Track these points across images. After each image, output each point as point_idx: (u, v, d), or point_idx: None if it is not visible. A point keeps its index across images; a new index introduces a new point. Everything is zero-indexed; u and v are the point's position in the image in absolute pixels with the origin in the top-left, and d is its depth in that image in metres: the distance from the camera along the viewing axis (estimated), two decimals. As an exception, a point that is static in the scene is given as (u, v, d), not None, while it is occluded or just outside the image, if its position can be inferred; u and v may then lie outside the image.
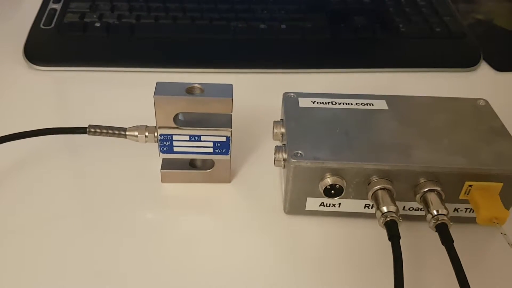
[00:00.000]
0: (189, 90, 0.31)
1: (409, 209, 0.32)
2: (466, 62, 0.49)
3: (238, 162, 0.37)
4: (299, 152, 0.31)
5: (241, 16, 0.51)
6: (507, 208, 0.31)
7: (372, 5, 0.54)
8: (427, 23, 0.52)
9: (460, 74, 0.48)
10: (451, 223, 0.28)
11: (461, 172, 0.30)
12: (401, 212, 0.31)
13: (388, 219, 0.28)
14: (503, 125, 0.33)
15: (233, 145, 0.33)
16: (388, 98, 0.36)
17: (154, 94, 0.31)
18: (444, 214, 0.28)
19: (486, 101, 0.36)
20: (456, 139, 0.32)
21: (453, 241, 0.27)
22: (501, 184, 0.30)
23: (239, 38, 0.49)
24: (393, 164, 0.30)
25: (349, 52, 0.49)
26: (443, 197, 0.30)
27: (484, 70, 0.49)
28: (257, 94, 0.44)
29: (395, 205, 0.29)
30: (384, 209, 0.28)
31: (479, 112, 0.35)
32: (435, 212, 0.28)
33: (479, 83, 0.48)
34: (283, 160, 0.32)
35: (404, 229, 0.29)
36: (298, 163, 0.30)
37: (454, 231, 0.28)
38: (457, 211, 0.32)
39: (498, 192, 0.30)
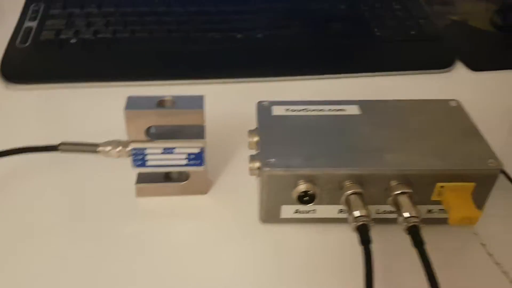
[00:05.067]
0: (161, 103, 0.32)
1: (382, 212, 0.32)
2: (441, 63, 0.50)
3: (216, 173, 0.37)
4: (272, 160, 0.31)
5: (218, 27, 0.52)
6: (480, 207, 0.31)
7: (348, 11, 0.55)
8: (402, 27, 0.52)
9: (436, 76, 0.49)
10: (423, 224, 0.28)
11: (432, 174, 0.30)
12: (375, 215, 0.32)
13: (359, 223, 0.28)
14: (474, 125, 0.34)
15: (210, 155, 0.33)
16: (361, 103, 0.36)
17: (124, 109, 0.31)
18: (415, 217, 0.28)
19: (458, 102, 0.36)
20: (427, 141, 0.32)
21: (423, 243, 0.27)
22: (473, 184, 0.30)
23: (216, 49, 0.49)
24: (364, 168, 0.30)
25: (326, 59, 0.49)
26: (415, 199, 0.30)
27: (460, 70, 0.50)
28: (235, 103, 0.44)
29: (367, 209, 0.29)
30: (355, 213, 0.29)
31: (451, 113, 0.35)
32: (406, 215, 0.28)
33: (455, 83, 0.48)
34: (257, 169, 0.32)
35: (378, 232, 0.29)
36: (271, 172, 0.30)
37: (428, 232, 0.28)
38: (431, 212, 0.32)
39: (470, 192, 0.30)
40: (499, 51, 0.53)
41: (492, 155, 0.31)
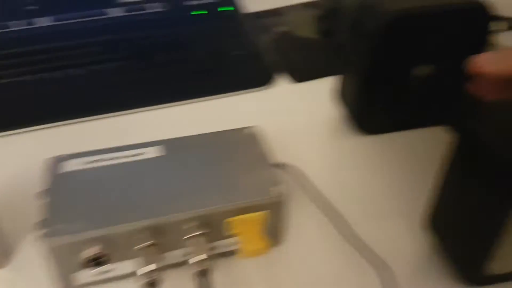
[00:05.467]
0: None
1: (182, 255, 0.31)
2: (264, 79, 0.51)
3: (16, 242, 0.34)
4: (56, 227, 0.29)
5: (35, 68, 0.48)
6: (275, 234, 0.32)
7: (170, 38, 0.54)
8: (224, 48, 0.52)
9: (260, 93, 0.50)
10: (230, 256, 0.28)
11: (221, 211, 0.30)
12: (179, 259, 0.31)
13: (144, 281, 0.27)
14: (264, 153, 0.34)
15: (6, 223, 0.30)
16: (163, 143, 0.35)
17: None
18: (204, 259, 0.28)
19: (255, 128, 0.36)
20: (220, 176, 0.32)
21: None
22: (261, 213, 0.31)
23: (29, 93, 0.46)
24: (153, 219, 0.29)
25: (147, 91, 0.48)
26: (212, 237, 0.30)
27: (283, 84, 0.51)
28: (39, 155, 0.39)
29: (155, 263, 0.28)
30: (139, 272, 0.28)
31: (247, 141, 0.35)
32: (194, 260, 0.28)
33: (277, 98, 0.49)
34: (42, 237, 0.30)
35: (179, 276, 0.28)
36: (54, 241, 0.28)
37: (226, 265, 0.28)
38: (231, 245, 0.32)
39: (260, 222, 0.31)
40: (322, 59, 0.55)
41: (276, 182, 0.32)
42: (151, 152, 0.34)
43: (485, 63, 0.31)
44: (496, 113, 0.27)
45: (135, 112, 0.46)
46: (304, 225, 0.35)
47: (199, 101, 0.48)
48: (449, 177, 0.29)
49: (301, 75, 0.52)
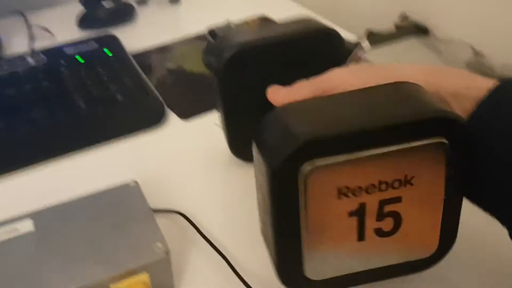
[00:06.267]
0: None
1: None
2: (152, 120, 0.50)
3: None
4: None
5: None
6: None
7: (51, 88, 0.52)
8: (108, 93, 0.51)
9: (150, 135, 0.49)
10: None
11: (100, 282, 0.29)
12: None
13: None
14: (149, 206, 0.34)
15: None
16: (35, 215, 0.33)
17: None
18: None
19: (136, 182, 0.36)
20: (99, 242, 0.31)
21: None
22: (145, 274, 0.30)
23: None
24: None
25: (27, 149, 0.46)
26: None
27: (172, 122, 0.51)
28: None
29: None
30: None
31: (129, 197, 0.35)
32: None
33: (166, 138, 0.49)
34: None
35: None
36: None
37: None
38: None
39: (144, 284, 0.30)
40: (207, 93, 0.55)
41: (160, 237, 0.32)
42: (25, 226, 0.33)
43: (278, 95, 0.33)
44: (276, 119, 0.28)
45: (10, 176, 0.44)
46: (199, 271, 0.35)
47: (80, 154, 0.47)
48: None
49: (187, 112, 0.52)
